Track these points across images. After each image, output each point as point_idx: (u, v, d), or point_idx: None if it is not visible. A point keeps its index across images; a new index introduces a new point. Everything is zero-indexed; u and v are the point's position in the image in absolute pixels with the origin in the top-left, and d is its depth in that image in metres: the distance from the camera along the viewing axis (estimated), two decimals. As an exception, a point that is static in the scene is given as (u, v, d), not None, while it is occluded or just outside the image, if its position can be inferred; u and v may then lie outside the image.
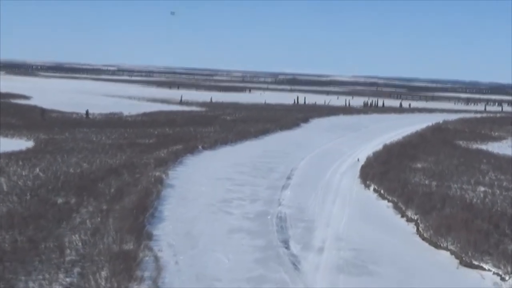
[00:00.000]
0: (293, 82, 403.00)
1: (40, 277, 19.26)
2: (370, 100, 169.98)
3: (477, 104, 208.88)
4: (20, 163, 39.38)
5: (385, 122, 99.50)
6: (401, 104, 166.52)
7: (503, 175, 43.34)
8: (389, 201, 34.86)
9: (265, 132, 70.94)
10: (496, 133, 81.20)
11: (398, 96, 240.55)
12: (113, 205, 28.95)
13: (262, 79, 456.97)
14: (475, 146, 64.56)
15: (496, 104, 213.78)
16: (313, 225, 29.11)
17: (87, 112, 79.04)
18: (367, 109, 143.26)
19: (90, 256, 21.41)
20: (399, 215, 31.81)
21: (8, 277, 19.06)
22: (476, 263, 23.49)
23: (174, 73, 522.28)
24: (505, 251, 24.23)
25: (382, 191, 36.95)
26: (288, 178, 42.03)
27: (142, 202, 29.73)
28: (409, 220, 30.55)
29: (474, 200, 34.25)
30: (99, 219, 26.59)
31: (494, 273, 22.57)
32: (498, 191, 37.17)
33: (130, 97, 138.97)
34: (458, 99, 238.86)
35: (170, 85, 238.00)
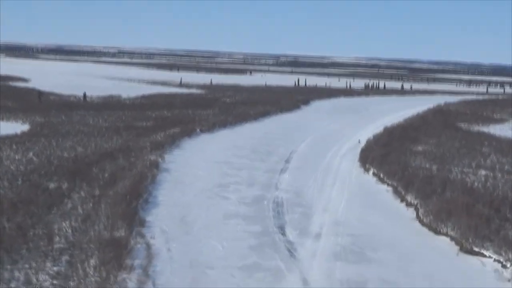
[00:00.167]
0: (295, 64, 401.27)
1: (27, 266, 18.67)
2: (371, 82, 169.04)
3: (479, 86, 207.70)
4: (14, 147, 38.74)
5: (386, 104, 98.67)
6: (402, 86, 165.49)
7: (505, 158, 42.67)
8: (388, 185, 34.22)
9: (265, 114, 70.24)
10: (498, 115, 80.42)
11: (399, 78, 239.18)
12: (106, 190, 28.29)
13: (263, 61, 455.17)
14: (477, 128, 63.86)
15: (498, 85, 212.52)
16: (311, 210, 28.50)
17: (84, 95, 78.24)
18: (368, 91, 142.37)
19: (80, 244, 20.80)
20: (399, 200, 31.17)
21: (-7, 266, 18.47)
22: (476, 249, 22.88)
23: (175, 55, 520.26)
24: (506, 237, 23.61)
25: (381, 175, 36.30)
26: (287, 161, 41.40)
27: (136, 187, 29.09)
28: (408, 204, 29.92)
29: (475, 184, 33.58)
30: (91, 205, 25.93)
31: (495, 260, 21.97)
32: (499, 175, 36.51)
33: (129, 80, 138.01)
34: (460, 81, 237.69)
35: (170, 67, 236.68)
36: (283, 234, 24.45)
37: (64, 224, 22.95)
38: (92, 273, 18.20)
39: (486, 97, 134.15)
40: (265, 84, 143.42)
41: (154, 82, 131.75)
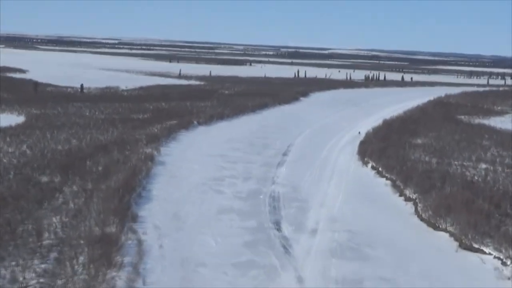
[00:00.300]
0: (295, 55, 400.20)
1: (14, 263, 18.15)
2: (371, 73, 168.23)
3: (479, 78, 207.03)
4: (8, 139, 38.17)
5: (386, 96, 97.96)
6: (403, 78, 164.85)
7: (505, 151, 42.08)
8: (387, 179, 33.64)
9: (263, 106, 69.58)
10: (499, 107, 79.76)
11: (400, 69, 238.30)
12: (99, 184, 27.73)
13: (263, 53, 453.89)
14: (477, 121, 63.24)
15: (499, 77, 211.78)
16: (307, 205, 27.95)
17: (81, 86, 77.57)
18: (368, 82, 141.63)
19: (69, 240, 20.28)
20: (397, 194, 30.61)
21: (-21, 264, 17.95)
22: (476, 246, 22.35)
23: (175, 46, 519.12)
24: (506, 233, 23.10)
25: (380, 168, 35.74)
26: (284, 154, 40.84)
27: (129, 181, 28.51)
28: (407, 199, 29.36)
29: (475, 178, 33.05)
30: (83, 199, 25.40)
31: (495, 257, 21.44)
32: (500, 168, 35.96)
33: (128, 71, 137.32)
34: (461, 73, 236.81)
35: (170, 58, 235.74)
36: (279, 230, 23.92)
37: (54, 220, 22.44)
38: (80, 271, 17.70)
39: (486, 88, 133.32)
40: (265, 76, 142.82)
41: (153, 74, 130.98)
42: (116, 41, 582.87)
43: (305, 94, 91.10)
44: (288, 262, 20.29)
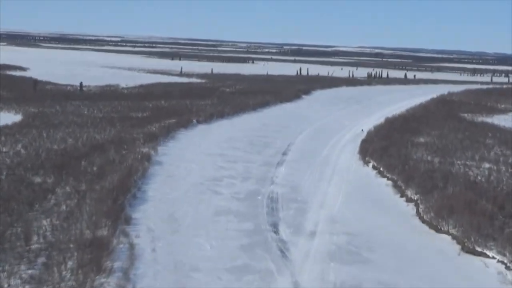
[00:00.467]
0: (298, 53, 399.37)
1: (0, 268, 17.52)
2: (374, 71, 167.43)
3: (483, 75, 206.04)
4: (3, 138, 37.56)
5: (389, 94, 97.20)
6: (406, 75, 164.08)
7: (509, 150, 41.38)
8: (388, 179, 32.95)
9: (264, 104, 68.90)
10: (503, 105, 78.94)
11: (403, 67, 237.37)
12: (93, 185, 27.11)
13: (266, 50, 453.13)
14: (481, 119, 62.48)
15: (503, 75, 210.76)
16: (306, 206, 27.29)
17: (81, 85, 76.91)
18: (371, 80, 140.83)
19: (59, 244, 19.64)
20: (399, 195, 29.92)
21: (-37, 270, 17.33)
22: (479, 249, 21.66)
23: (178, 44, 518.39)
24: (510, 235, 22.41)
25: (381, 168, 35.05)
26: (284, 153, 40.19)
27: (124, 181, 27.85)
28: (408, 200, 28.68)
29: (479, 177, 32.37)
30: (75, 200, 24.78)
31: (498, 261, 20.75)
32: (503, 168, 35.26)
33: (129, 69, 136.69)
34: (464, 70, 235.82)
35: (172, 56, 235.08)
36: (276, 232, 23.27)
37: (44, 222, 21.82)
38: (68, 277, 17.06)
39: (490, 86, 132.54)
40: (267, 73, 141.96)
41: (155, 71, 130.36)
42: (119, 39, 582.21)
43: (307, 92, 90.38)
44: (285, 267, 19.64)
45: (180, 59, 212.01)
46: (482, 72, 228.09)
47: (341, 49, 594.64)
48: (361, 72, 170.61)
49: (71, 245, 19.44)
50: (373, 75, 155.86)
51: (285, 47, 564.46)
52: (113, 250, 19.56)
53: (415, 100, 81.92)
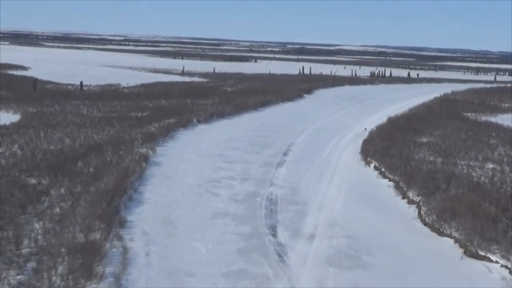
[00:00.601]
0: (301, 51, 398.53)
1: (-12, 274, 17.02)
2: (377, 70, 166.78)
3: (487, 74, 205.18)
4: (0, 139, 37.09)
5: (392, 93, 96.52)
6: (409, 74, 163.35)
7: (513, 150, 40.73)
8: (390, 180, 32.36)
9: (265, 104, 68.30)
10: (506, 105, 78.22)
11: (406, 65, 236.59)
12: (88, 186, 26.59)
13: (269, 49, 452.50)
14: (484, 118, 61.83)
15: (507, 73, 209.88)
16: (306, 208, 26.73)
17: (81, 84, 76.45)
18: (374, 79, 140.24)
19: (50, 248, 19.12)
20: (400, 196, 29.33)
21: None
22: (482, 253, 21.07)
23: (181, 43, 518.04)
24: (514, 239, 21.82)
25: (383, 169, 34.46)
26: (285, 154, 39.61)
27: (121, 183, 27.27)
28: (410, 202, 28.09)
29: (482, 179, 31.76)
30: (70, 203, 24.27)
31: (502, 265, 20.17)
32: (507, 168, 34.65)
33: (131, 68, 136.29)
34: (468, 69, 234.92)
35: (175, 55, 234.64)
36: (274, 235, 22.72)
37: (36, 226, 21.31)
38: (58, 283, 16.55)
39: (494, 85, 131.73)
40: (269, 72, 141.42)
41: (156, 70, 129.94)
42: (123, 38, 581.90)
43: (309, 91, 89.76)
44: (282, 272, 19.10)
45: (182, 58, 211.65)
46: (486, 70, 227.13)
47: (344, 47, 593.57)
48: (364, 71, 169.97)
49: (63, 250, 18.91)
50: (376, 74, 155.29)
51: (288, 46, 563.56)
52: (106, 254, 19.04)
53: (418, 99, 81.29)
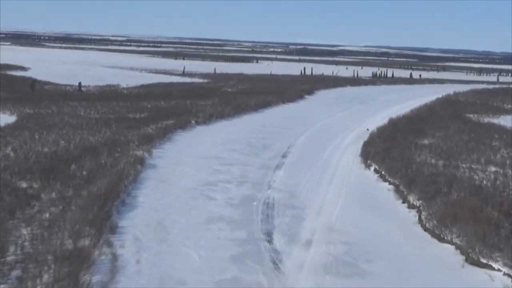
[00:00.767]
0: (304, 52, 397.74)
1: (-30, 283, 16.40)
2: (379, 70, 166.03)
3: (489, 75, 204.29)
4: (-7, 141, 36.47)
5: (394, 94, 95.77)
6: (411, 75, 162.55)
7: (516, 152, 40.02)
8: (390, 183, 31.66)
9: (265, 105, 67.61)
10: (509, 106, 77.41)
11: (409, 66, 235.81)
12: (80, 190, 25.95)
13: (271, 49, 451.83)
14: (487, 119, 61.10)
15: (510, 74, 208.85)
16: (304, 212, 26.07)
17: (79, 85, 75.83)
18: (376, 80, 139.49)
19: (37, 256, 18.48)
20: (400, 200, 28.65)
21: None
22: (484, 261, 20.38)
23: (183, 43, 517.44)
24: (516, 245, 21.12)
25: (383, 172, 33.77)
26: (284, 156, 38.94)
27: (114, 186, 26.64)
28: (410, 206, 27.40)
29: (484, 182, 31.07)
30: (60, 207, 23.63)
31: (504, 273, 19.48)
32: (510, 171, 33.94)
33: (131, 68, 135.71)
34: (470, 69, 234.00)
35: (176, 55, 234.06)
36: (270, 241, 22.05)
37: (24, 231, 20.68)
38: (43, 293, 15.91)
39: (496, 86, 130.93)
40: (271, 73, 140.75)
41: (157, 71, 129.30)
42: (125, 39, 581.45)
43: (310, 92, 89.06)
44: (277, 280, 18.46)
45: (183, 59, 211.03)
46: (488, 71, 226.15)
47: (347, 48, 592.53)
48: (366, 72, 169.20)
49: (49, 257, 18.27)
50: (378, 75, 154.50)
51: (290, 46, 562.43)
52: (94, 262, 18.40)
53: (420, 100, 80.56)
